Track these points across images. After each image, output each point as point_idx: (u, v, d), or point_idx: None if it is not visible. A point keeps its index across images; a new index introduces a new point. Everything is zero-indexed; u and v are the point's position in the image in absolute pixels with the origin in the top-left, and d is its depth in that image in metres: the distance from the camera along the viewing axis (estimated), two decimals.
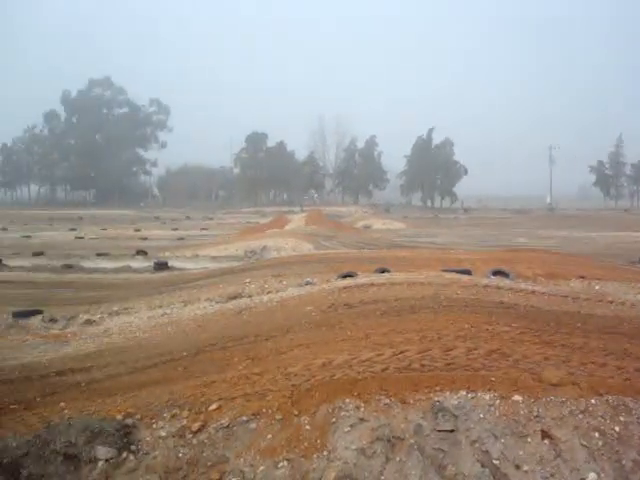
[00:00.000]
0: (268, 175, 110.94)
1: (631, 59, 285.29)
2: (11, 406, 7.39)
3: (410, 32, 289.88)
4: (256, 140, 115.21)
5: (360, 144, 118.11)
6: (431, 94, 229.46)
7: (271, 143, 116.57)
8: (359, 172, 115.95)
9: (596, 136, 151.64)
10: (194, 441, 5.30)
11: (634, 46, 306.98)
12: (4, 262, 23.90)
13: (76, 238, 38.86)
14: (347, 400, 5.50)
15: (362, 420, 5.29)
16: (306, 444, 5.22)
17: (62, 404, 6.84)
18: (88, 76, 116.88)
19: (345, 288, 11.96)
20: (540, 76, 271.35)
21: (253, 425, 5.42)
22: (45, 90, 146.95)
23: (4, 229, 48.28)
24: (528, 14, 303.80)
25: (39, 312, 13.37)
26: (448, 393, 5.42)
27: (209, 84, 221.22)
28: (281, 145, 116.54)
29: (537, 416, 5.14)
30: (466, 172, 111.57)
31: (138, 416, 5.59)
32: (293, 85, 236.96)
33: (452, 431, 5.15)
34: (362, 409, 5.40)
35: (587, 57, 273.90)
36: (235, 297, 13.91)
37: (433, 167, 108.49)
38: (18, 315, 13.25)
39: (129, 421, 5.48)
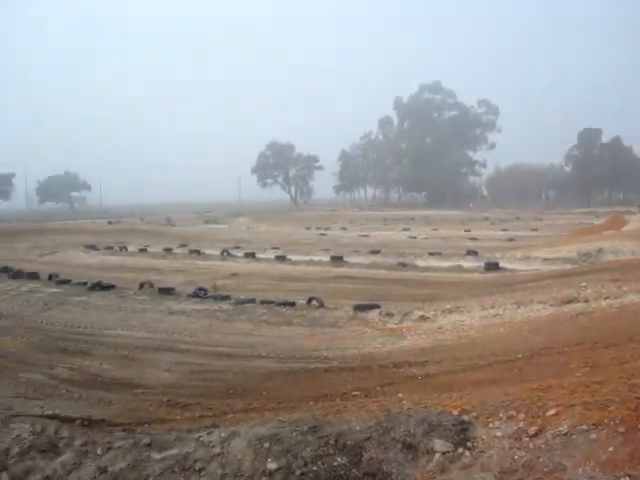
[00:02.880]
0: (602, 173, 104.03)
1: None
2: (353, 392, 7.92)
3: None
4: (589, 136, 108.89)
5: None
6: None
7: (606, 139, 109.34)
8: None
9: None
10: (530, 445, 5.15)
11: None
12: (345, 259, 25.69)
13: (409, 237, 40.23)
14: None
15: None
16: None
17: (400, 395, 7.15)
18: (419, 81, 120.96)
19: None
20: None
21: (593, 435, 5.11)
22: (381, 97, 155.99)
23: (344, 229, 51.72)
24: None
25: (377, 306, 14.09)
26: None
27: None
28: (617, 140, 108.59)
29: None
30: None
31: (474, 414, 5.60)
32: None
33: None
34: None
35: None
36: (570, 301, 13.28)
37: None
38: (358, 308, 14.13)
39: (465, 418, 5.52)
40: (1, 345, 12.26)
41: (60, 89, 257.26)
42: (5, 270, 23.52)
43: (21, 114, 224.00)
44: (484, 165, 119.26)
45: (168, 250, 32.62)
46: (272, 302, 15.31)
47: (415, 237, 40.51)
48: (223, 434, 5.71)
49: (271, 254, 29.01)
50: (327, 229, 50.61)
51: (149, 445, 5.87)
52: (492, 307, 13.39)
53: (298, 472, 5.14)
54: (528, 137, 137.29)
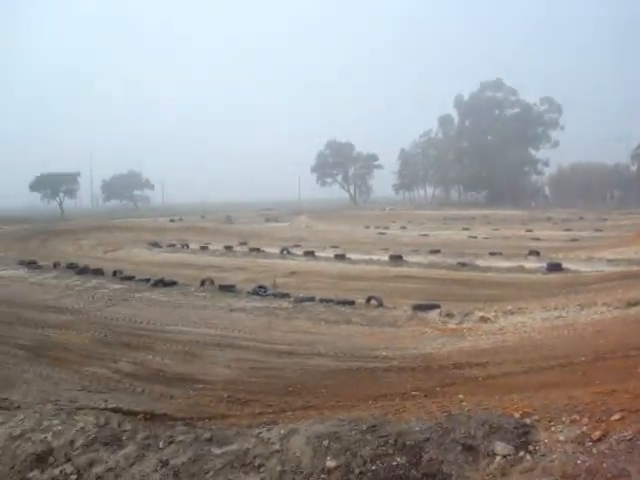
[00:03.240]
0: None
1: None
2: (413, 392, 7.88)
3: None
4: None
5: None
6: None
7: None
8: None
9: None
10: (594, 450, 5.04)
11: None
12: (404, 258, 25.58)
13: (469, 237, 39.78)
14: None
15: None
16: None
17: (460, 396, 7.08)
18: (480, 79, 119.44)
19: None
20: None
21: None
22: (440, 95, 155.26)
23: (403, 228, 51.46)
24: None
25: (437, 306, 13.98)
26: None
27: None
28: None
29: None
30: None
31: (536, 417, 5.51)
32: None
33: None
34: None
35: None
36: (635, 303, 12.93)
37: None
38: (418, 308, 14.04)
39: (527, 421, 5.44)
40: (67, 339, 12.62)
41: (126, 91, 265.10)
42: (71, 266, 24.25)
43: (85, 115, 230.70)
44: (547, 164, 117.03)
45: (228, 248, 33.05)
46: (331, 301, 15.36)
47: (475, 237, 40.04)
48: (282, 431, 5.76)
49: (330, 253, 29.08)
50: (386, 228, 50.44)
51: (209, 440, 5.96)
52: (555, 309, 13.15)
53: (357, 471, 5.14)
54: (592, 136, 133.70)
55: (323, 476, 5.18)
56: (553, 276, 20.09)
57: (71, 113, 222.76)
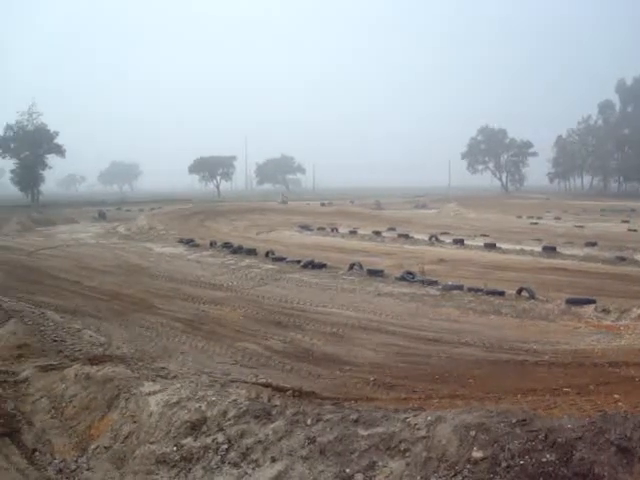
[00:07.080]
0: None
1: None
2: (564, 389, 7.65)
3: None
4: None
5: None
6: None
7: None
8: None
9: None
10: None
11: None
12: (558, 250, 24.64)
13: (629, 230, 37.59)
14: None
15: None
16: None
17: (616, 396, 6.81)
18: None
19: None
20: None
21: None
22: (602, 81, 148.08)
23: (557, 218, 49.51)
24: None
25: (592, 301, 13.38)
26: None
27: None
28: None
29: None
30: None
31: None
32: None
33: None
34: None
35: None
36: None
37: None
38: (571, 302, 13.51)
39: None
40: (221, 315, 13.23)
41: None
42: (226, 246, 25.31)
43: (243, 104, 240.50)
44: None
45: (377, 233, 33.20)
46: (480, 290, 15.08)
47: (636, 230, 37.73)
48: (429, 418, 5.76)
49: (480, 241, 28.51)
50: (539, 218, 48.65)
51: (356, 421, 6.06)
52: None
53: (504, 464, 5.06)
54: None
55: (469, 466, 5.14)
56: None
57: (230, 103, 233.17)
